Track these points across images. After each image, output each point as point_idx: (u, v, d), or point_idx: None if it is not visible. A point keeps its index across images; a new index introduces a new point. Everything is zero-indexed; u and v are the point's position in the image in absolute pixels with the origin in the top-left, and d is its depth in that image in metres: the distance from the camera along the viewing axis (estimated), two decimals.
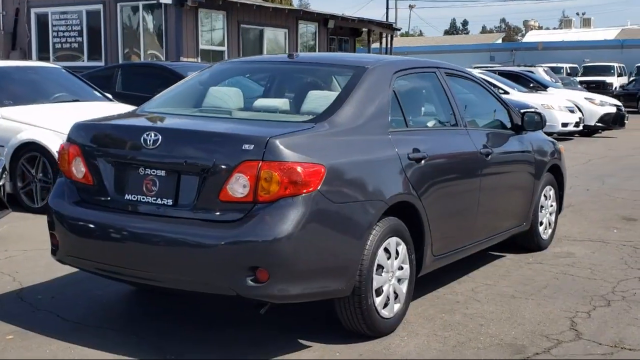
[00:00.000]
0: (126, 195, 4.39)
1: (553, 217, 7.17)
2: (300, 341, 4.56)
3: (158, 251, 4.17)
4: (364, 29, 28.54)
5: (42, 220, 7.91)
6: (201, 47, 19.01)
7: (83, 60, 19.78)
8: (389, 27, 27.85)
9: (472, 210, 5.58)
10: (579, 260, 6.66)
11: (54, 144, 8.11)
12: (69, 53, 20.28)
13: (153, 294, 5.41)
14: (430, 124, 5.49)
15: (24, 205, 8.28)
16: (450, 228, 5.31)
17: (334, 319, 4.64)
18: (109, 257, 4.37)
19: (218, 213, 4.11)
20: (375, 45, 29.68)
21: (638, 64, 41.67)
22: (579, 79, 31.56)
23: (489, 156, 5.74)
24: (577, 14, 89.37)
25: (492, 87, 6.64)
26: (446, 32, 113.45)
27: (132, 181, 4.38)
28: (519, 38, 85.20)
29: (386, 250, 4.56)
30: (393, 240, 4.61)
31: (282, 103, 4.98)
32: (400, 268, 4.73)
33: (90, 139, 4.61)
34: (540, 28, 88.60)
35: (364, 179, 4.42)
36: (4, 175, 6.98)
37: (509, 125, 6.41)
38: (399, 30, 35.48)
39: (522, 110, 6.54)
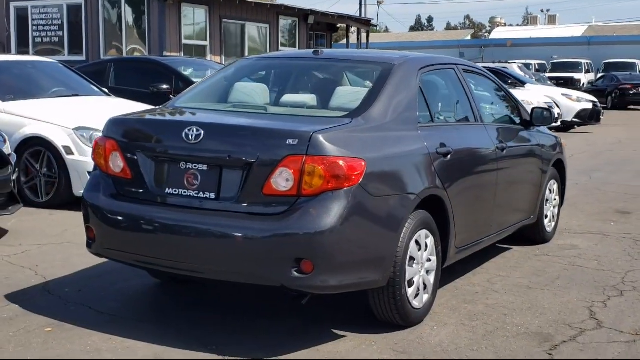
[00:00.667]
0: (167, 189, 4.46)
1: (556, 211, 7.36)
2: (334, 331, 4.67)
3: (204, 243, 4.25)
4: (340, 25, 28.67)
5: (49, 214, 8.01)
6: (184, 41, 19.00)
7: (64, 55, 19.65)
8: (366, 23, 28.03)
9: (490, 203, 5.73)
10: (584, 252, 6.85)
11: (59, 138, 8.14)
12: (49, 47, 20.12)
13: (179, 285, 5.49)
14: (452, 119, 5.63)
15: (28, 200, 8.27)
16: (471, 221, 5.45)
17: (362, 310, 4.77)
18: (151, 249, 4.44)
19: (261, 206, 4.21)
20: (344, 42, 29.82)
21: (605, 60, 42.41)
22: (547, 75, 31.96)
23: (504, 151, 5.90)
24: (542, 10, 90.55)
25: (502, 84, 6.80)
26: (412, 29, 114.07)
27: (173, 175, 4.46)
28: (486, 35, 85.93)
29: (417, 242, 4.68)
30: (423, 232, 4.74)
31: (313, 99, 5.07)
32: (429, 260, 4.86)
33: (128, 134, 4.67)
34: (505, 25, 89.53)
35: (400, 173, 4.56)
36: (15, 170, 6.98)
37: (518, 120, 6.58)
38: (376, 26, 35.66)
39: (532, 107, 6.70)
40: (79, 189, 8.11)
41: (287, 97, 5.20)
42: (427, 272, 4.86)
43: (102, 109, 8.96)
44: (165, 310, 5.09)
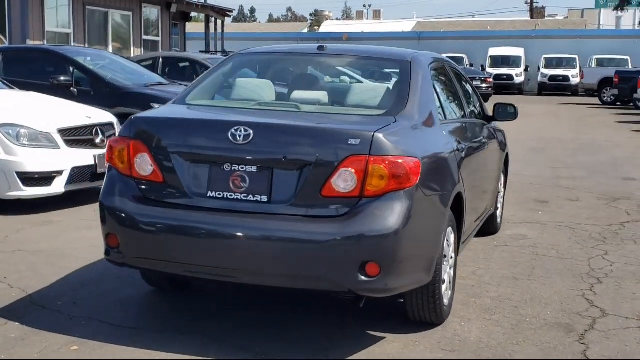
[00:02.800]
0: (209, 193, 4.21)
1: (502, 201, 7.63)
2: (370, 332, 4.61)
3: (262, 249, 4.05)
4: (193, 14, 28.16)
5: None
6: (47, 29, 17.93)
7: None
8: (224, 13, 27.67)
9: (479, 197, 5.86)
10: (537, 241, 7.15)
11: None
12: None
13: (177, 292, 5.20)
14: (455, 115, 5.69)
15: None
16: (471, 214, 5.55)
17: (375, 309, 4.75)
18: (195, 257, 4.17)
19: (319, 208, 4.07)
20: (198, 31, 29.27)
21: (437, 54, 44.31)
22: None
23: (487, 145, 6.05)
24: (364, 6, 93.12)
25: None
26: (235, 20, 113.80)
27: (216, 178, 4.20)
28: (316, 28, 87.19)
29: (447, 239, 4.71)
30: (449, 229, 4.77)
31: (342, 97, 4.95)
32: (452, 257, 4.90)
33: (159, 134, 4.35)
34: (331, 19, 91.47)
35: (441, 171, 4.56)
36: None
37: (480, 115, 6.75)
38: (230, 17, 35.27)
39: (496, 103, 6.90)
40: (5, 191, 7.49)
41: (310, 95, 5.03)
42: (450, 268, 4.90)
43: (23, 104, 8.33)
44: (186, 318, 4.77)
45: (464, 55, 43.41)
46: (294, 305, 5.04)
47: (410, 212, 4.07)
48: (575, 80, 38.93)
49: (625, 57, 38.51)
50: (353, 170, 4.01)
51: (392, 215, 4.01)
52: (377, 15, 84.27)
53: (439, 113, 5.11)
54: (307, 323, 4.75)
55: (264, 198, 4.13)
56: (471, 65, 41.97)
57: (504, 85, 38.59)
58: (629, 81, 29.31)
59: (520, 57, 41.82)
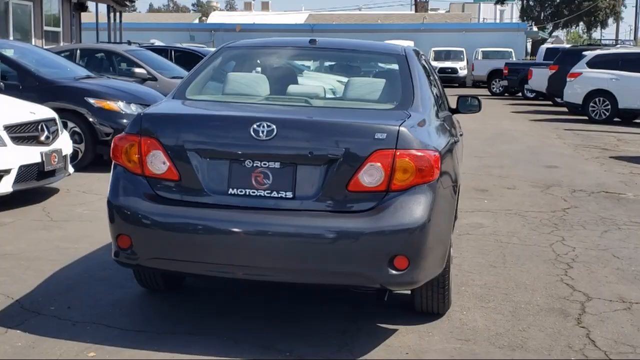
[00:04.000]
0: (230, 190, 4.12)
1: None
2: (381, 325, 4.64)
3: (291, 246, 4.00)
4: (89, 3, 27.27)
5: None
6: None
7: None
8: (123, 3, 26.94)
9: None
10: (494, 229, 7.36)
11: None
12: None
13: (169, 293, 5.07)
14: (442, 107, 5.76)
15: None
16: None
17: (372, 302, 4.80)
18: (217, 256, 4.08)
19: (346, 203, 4.06)
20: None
21: None
22: None
23: (462, 136, 6.18)
24: None
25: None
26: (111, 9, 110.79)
27: (237, 175, 4.12)
28: (204, 19, 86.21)
29: None
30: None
31: (353, 91, 4.92)
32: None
33: (174, 131, 4.22)
34: (219, 9, 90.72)
35: (451, 163, 4.65)
36: None
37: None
38: (129, 8, 34.35)
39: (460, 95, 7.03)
40: None
41: (317, 89, 5.02)
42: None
43: None
44: (196, 319, 4.64)
45: None
46: (294, 299, 5.01)
47: (433, 204, 4.12)
48: (463, 72, 40.18)
49: (509, 50, 40.02)
50: (380, 165, 4.02)
51: (419, 208, 4.05)
52: (265, 7, 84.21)
53: (434, 105, 5.19)
54: (316, 318, 4.73)
55: (289, 194, 4.08)
56: None
57: None
58: (518, 73, 30.64)
59: None
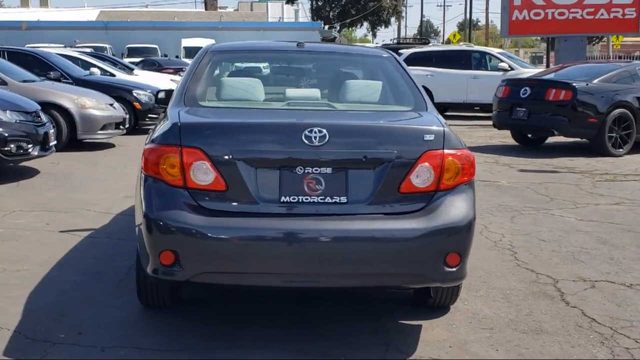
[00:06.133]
0: (282, 198, 4.04)
1: None
2: (404, 322, 4.75)
3: (346, 250, 4.00)
4: None
5: None
6: None
7: None
8: None
9: None
10: None
11: None
12: None
13: (170, 307, 4.87)
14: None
15: None
16: None
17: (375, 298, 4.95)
18: (273, 265, 3.99)
19: (397, 205, 4.14)
20: None
21: (127, 45, 43.62)
22: (130, 60, 30.66)
23: None
24: None
25: None
26: None
27: (288, 182, 4.05)
28: None
29: None
30: None
31: (367, 95, 4.93)
32: None
33: (219, 140, 4.07)
34: None
35: None
36: None
37: None
38: None
39: None
40: None
41: (336, 93, 4.99)
42: None
43: None
44: (215, 332, 4.49)
45: (156, 46, 43.22)
46: (301, 304, 4.98)
47: (474, 201, 4.32)
48: None
49: None
50: (430, 166, 4.13)
51: (466, 205, 4.22)
52: (45, 3, 80.00)
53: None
54: (336, 320, 4.75)
55: (343, 199, 4.08)
56: (165, 55, 41.92)
57: None
58: None
59: None
